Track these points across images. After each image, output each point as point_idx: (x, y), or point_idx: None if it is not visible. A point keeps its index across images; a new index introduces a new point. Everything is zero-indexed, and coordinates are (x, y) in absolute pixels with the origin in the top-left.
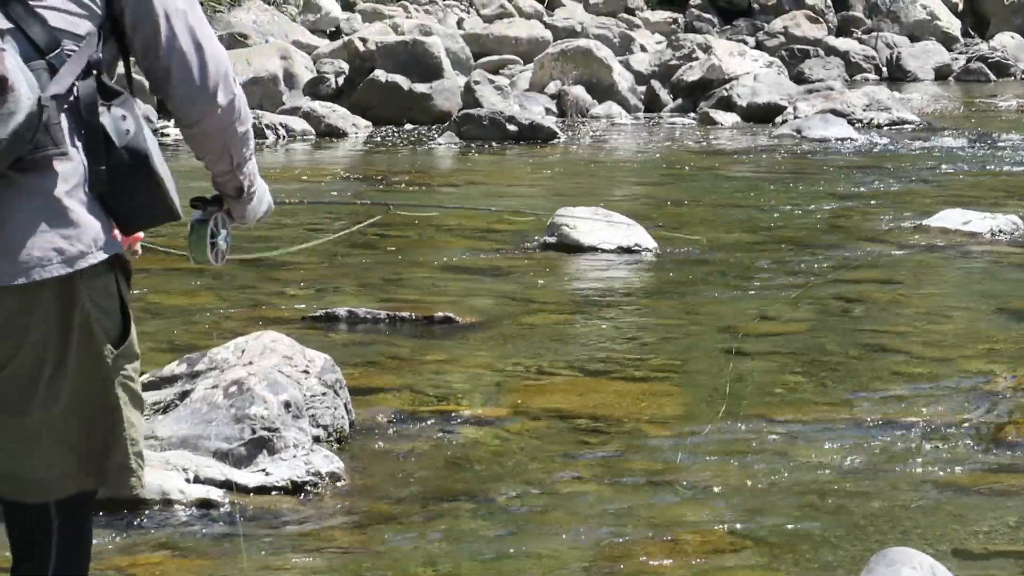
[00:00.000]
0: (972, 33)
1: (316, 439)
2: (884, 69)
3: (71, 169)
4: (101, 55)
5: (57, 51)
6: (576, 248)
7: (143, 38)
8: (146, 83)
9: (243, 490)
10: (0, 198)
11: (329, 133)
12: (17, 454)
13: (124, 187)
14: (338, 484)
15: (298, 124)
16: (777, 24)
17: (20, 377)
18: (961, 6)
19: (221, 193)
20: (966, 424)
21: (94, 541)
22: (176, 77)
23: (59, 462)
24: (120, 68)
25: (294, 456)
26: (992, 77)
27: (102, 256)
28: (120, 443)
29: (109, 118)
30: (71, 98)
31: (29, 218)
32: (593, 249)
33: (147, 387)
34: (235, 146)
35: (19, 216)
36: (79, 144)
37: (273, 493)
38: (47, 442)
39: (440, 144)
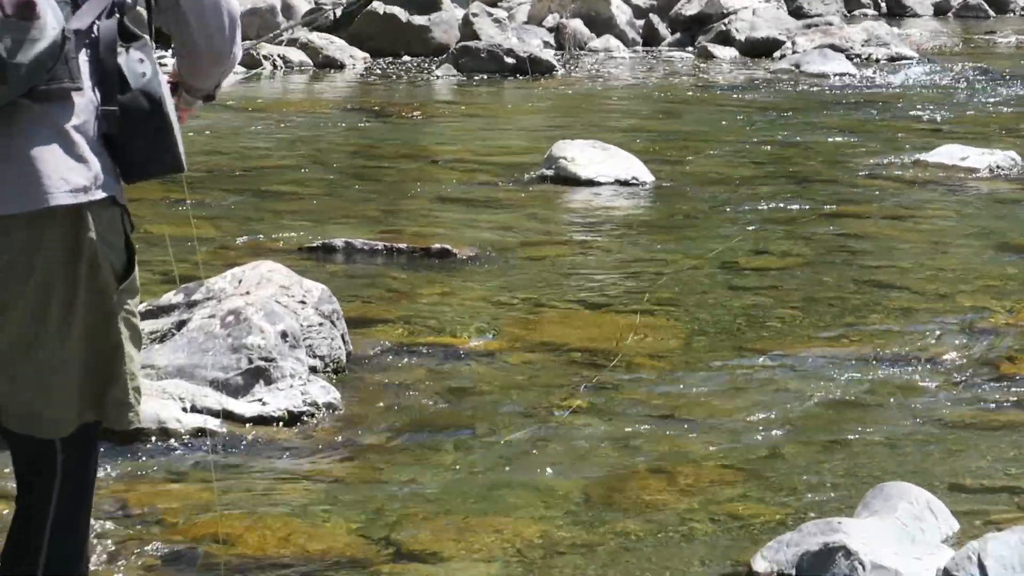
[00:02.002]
0: None
1: (313, 369)
2: (883, 4)
3: (83, 105)
4: None
5: None
6: (574, 181)
7: None
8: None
9: (240, 419)
10: (12, 125)
11: (327, 64)
12: (29, 388)
13: (135, 130)
14: (335, 414)
15: (296, 55)
16: None
17: (31, 312)
18: None
19: (187, 90)
20: (964, 360)
21: None
22: (196, 33)
23: (67, 397)
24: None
25: (291, 386)
26: (991, 13)
27: (103, 194)
28: (120, 378)
29: (126, 59)
30: (91, 36)
31: (40, 147)
32: (590, 182)
33: (144, 316)
34: (223, 79)
35: (30, 144)
36: (94, 82)
37: (270, 423)
38: (58, 377)
39: (438, 77)
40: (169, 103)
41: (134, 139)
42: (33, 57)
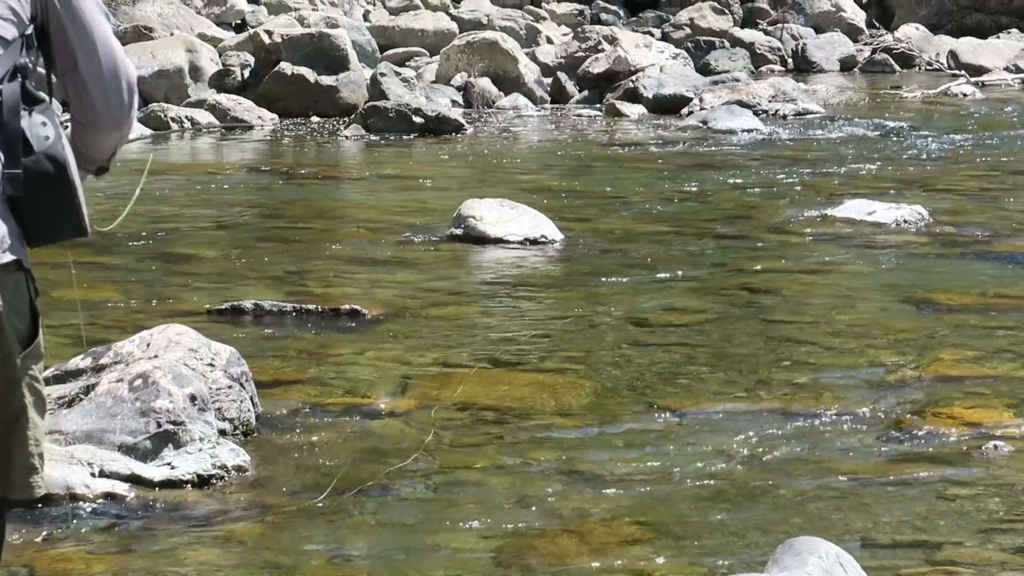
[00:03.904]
0: (877, 24)
1: (222, 432)
2: (789, 60)
3: None
4: (27, 61)
5: None
6: (483, 240)
7: (60, 52)
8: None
9: (149, 484)
10: None
11: (235, 125)
12: None
13: (39, 193)
14: (244, 477)
15: (203, 117)
16: (683, 16)
17: None
18: None
19: (79, 163)
20: (872, 414)
21: None
22: (95, 98)
23: None
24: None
25: (200, 449)
26: (897, 68)
27: (9, 257)
28: (24, 445)
29: (29, 122)
30: None
31: None
32: (499, 241)
33: (51, 381)
34: (120, 147)
35: None
36: None
37: (179, 487)
38: None
39: (346, 137)
40: (73, 166)
41: (38, 202)
42: None
